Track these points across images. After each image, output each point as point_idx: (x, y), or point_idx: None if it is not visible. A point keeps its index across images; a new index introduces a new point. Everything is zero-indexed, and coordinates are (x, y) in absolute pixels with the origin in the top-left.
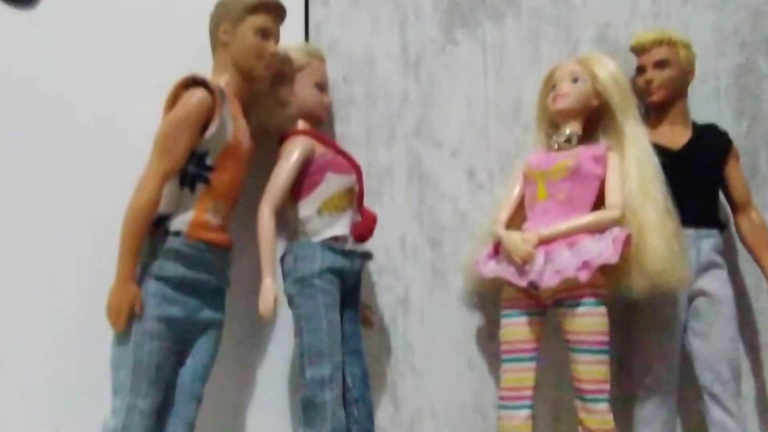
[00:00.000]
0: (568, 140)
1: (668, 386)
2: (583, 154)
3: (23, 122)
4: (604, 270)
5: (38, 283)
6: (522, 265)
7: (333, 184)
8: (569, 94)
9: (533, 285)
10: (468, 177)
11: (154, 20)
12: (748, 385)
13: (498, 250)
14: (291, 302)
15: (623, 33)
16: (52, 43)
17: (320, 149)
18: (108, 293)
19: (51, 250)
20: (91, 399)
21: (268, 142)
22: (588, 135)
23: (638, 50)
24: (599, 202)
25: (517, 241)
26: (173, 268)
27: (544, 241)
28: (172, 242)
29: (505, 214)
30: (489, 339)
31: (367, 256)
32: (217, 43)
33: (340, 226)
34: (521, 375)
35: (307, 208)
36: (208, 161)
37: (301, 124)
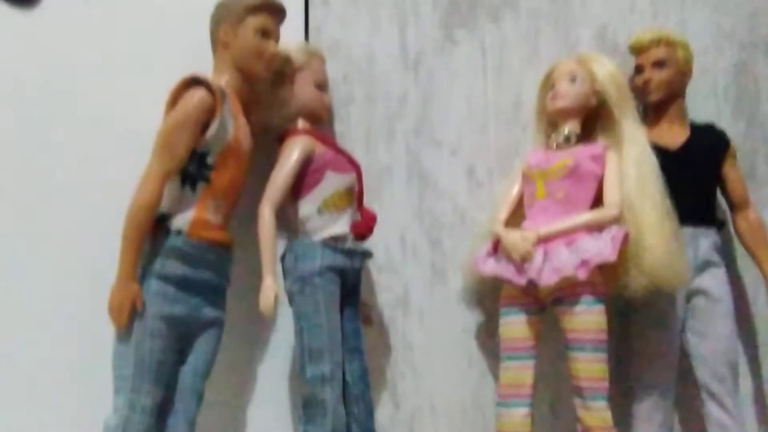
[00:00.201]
0: (567, 139)
1: (666, 384)
2: (582, 153)
3: (24, 121)
4: (603, 268)
5: (40, 282)
6: (521, 264)
7: (333, 182)
8: (568, 94)
9: (532, 283)
10: (467, 176)
11: (154, 21)
12: (746, 383)
13: (497, 248)
14: (291, 300)
15: (621, 33)
16: (52, 42)
17: (320, 148)
18: (110, 292)
19: (53, 249)
20: (93, 397)
21: (269, 141)
22: (587, 134)
23: (636, 50)
24: (598, 201)
25: (516, 239)
26: (174, 267)
27: (543, 240)
28: (173, 241)
29: (504, 212)
30: (488, 337)
31: (367, 254)
32: (217, 44)
33: (340, 225)
34: (520, 373)
35: (307, 206)
36: (209, 160)
37: (301, 124)
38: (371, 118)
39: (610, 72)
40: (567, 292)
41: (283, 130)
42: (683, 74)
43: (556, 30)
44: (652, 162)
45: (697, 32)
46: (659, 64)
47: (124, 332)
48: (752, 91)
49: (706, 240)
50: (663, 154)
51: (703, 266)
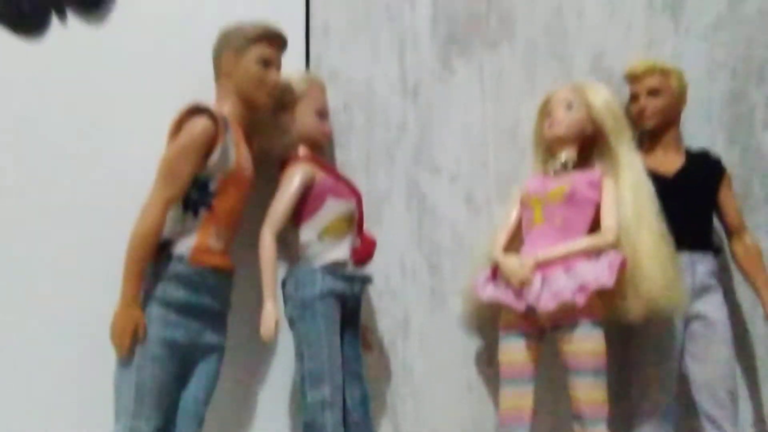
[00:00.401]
0: (564, 166)
1: (666, 409)
2: (579, 179)
3: (28, 149)
4: (601, 294)
5: (43, 308)
6: (520, 289)
7: (333, 209)
8: (564, 121)
9: (531, 308)
10: (466, 202)
11: (158, 50)
12: (745, 408)
13: (496, 273)
14: (292, 326)
15: (617, 61)
16: (57, 71)
17: (321, 175)
18: (112, 317)
19: (56, 275)
20: (94, 421)
21: (270, 168)
22: (583, 160)
23: (631, 78)
24: (595, 227)
25: (515, 265)
26: (176, 292)
27: (541, 265)
28: (175, 266)
29: (502, 238)
30: (488, 362)
31: (367, 280)
32: (220, 73)
33: (341, 251)
34: (520, 398)
35: (307, 232)
36: (211, 187)
37: (302, 151)
38: (371, 145)
39: (605, 100)
40: (566, 318)
41: (284, 157)
42: (678, 102)
43: (552, 59)
44: (648, 188)
45: (690, 61)
46: (654, 92)
47: (126, 357)
48: (746, 119)
49: (703, 265)
50: (659, 181)
51: (701, 291)
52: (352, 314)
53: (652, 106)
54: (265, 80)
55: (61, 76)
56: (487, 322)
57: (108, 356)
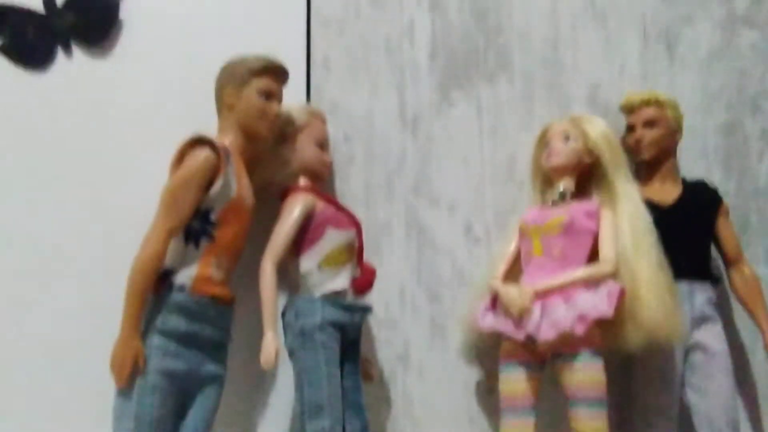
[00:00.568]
0: (562, 196)
1: None
2: (577, 209)
3: (31, 181)
4: (600, 323)
5: (43, 337)
6: (519, 319)
7: (333, 239)
8: (562, 152)
9: (530, 338)
10: (465, 232)
11: (161, 83)
12: None
13: (495, 303)
14: (292, 356)
15: (613, 94)
16: (62, 102)
17: (321, 205)
18: (113, 348)
19: (56, 305)
20: None
21: (271, 198)
22: (581, 191)
23: (627, 110)
24: (593, 257)
25: (514, 294)
26: (176, 323)
27: (540, 295)
28: (176, 296)
29: (501, 268)
30: (488, 392)
31: (367, 309)
32: (222, 105)
33: (341, 281)
34: (521, 428)
35: (308, 262)
36: (212, 217)
37: (302, 181)
38: (371, 177)
39: (602, 131)
40: (565, 347)
41: (285, 187)
42: (674, 133)
43: (549, 92)
44: (646, 218)
45: (685, 92)
46: (650, 123)
47: (125, 388)
48: (742, 149)
49: (701, 295)
50: (656, 211)
51: (700, 321)
52: (352, 344)
53: (648, 136)
54: (267, 112)
55: (66, 109)
56: (487, 352)
57: (108, 386)
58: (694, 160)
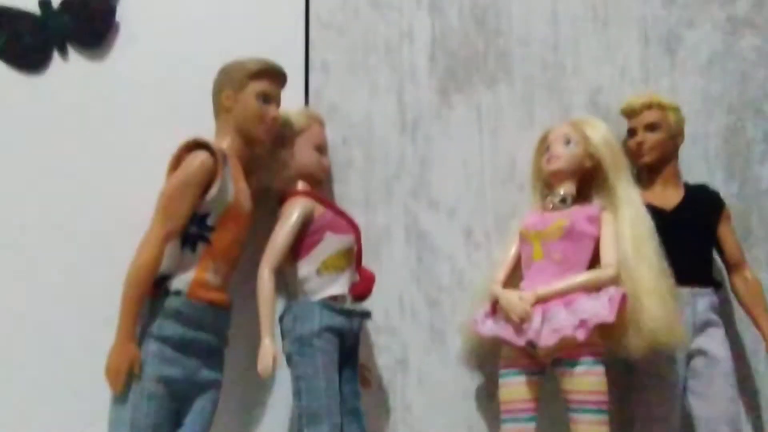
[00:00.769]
0: (563, 201)
1: None
2: (578, 214)
3: (26, 183)
4: (601, 329)
5: (38, 342)
6: (519, 325)
7: (332, 244)
8: (562, 156)
9: (531, 344)
10: (465, 237)
11: (158, 86)
12: None
13: (496, 309)
14: (290, 362)
15: (614, 97)
16: (58, 105)
17: (319, 210)
18: (108, 354)
19: (52, 310)
20: None
21: (269, 203)
22: (582, 195)
23: (629, 114)
24: (594, 262)
25: (515, 300)
26: (173, 328)
27: (541, 300)
28: (172, 302)
29: (502, 273)
30: (488, 399)
31: (365, 315)
32: (219, 108)
33: (339, 286)
34: None
35: (306, 267)
36: (210, 222)
37: (300, 186)
38: (370, 181)
39: (603, 135)
40: (566, 353)
41: (283, 191)
42: (675, 137)
43: (549, 95)
44: (647, 223)
45: (687, 96)
46: (651, 127)
47: (121, 394)
48: (743, 153)
49: (703, 300)
50: (658, 215)
51: (702, 327)
52: (350, 350)
53: (650, 140)
54: (265, 116)
55: (62, 112)
56: (487, 358)
57: (103, 393)
58: (696, 164)
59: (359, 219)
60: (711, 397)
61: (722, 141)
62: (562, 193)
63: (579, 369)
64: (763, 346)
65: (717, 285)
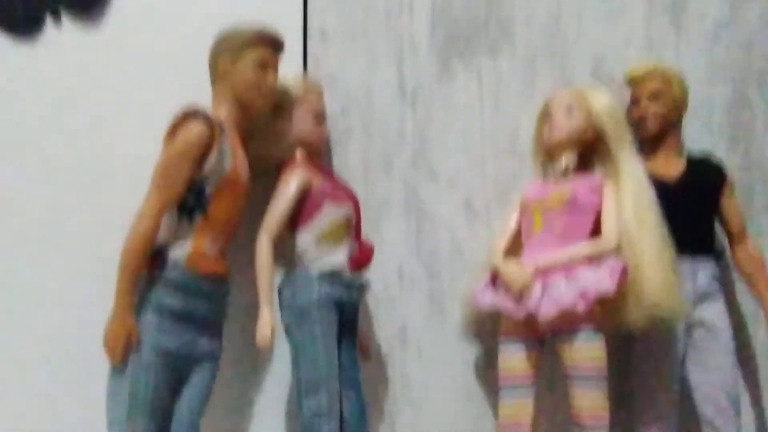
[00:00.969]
0: (564, 171)
1: (668, 417)
2: (579, 184)
3: (22, 151)
4: (601, 300)
5: (35, 314)
6: (519, 296)
7: (331, 214)
8: (564, 126)
9: (531, 315)
10: (465, 208)
11: (153, 53)
12: (747, 415)
13: (495, 280)
14: (288, 333)
15: (617, 66)
16: (51, 74)
17: (318, 180)
18: (105, 325)
19: (49, 282)
20: (87, 430)
21: (267, 173)
22: (584, 166)
23: (632, 82)
24: (596, 233)
25: (515, 271)
26: (171, 299)
27: (541, 272)
28: (170, 272)
29: (502, 244)
30: (487, 370)
31: (364, 286)
32: (216, 76)
33: (338, 257)
34: (519, 405)
35: (304, 238)
36: (207, 192)
37: (299, 156)
38: (369, 151)
39: (606, 104)
40: (566, 325)
41: (281, 161)
42: (679, 106)
43: (552, 63)
44: (649, 193)
45: (691, 65)
46: (655, 96)
47: (119, 365)
48: (747, 123)
49: (704, 271)
50: (660, 186)
51: (703, 297)
52: (349, 321)
53: (653, 110)
54: (262, 84)
55: (55, 78)
56: (486, 329)
57: (101, 364)
58: (699, 135)
59: (358, 189)
60: (710, 368)
61: (726, 111)
62: (563, 163)
63: (578, 340)
64: (763, 317)
65: (718, 255)
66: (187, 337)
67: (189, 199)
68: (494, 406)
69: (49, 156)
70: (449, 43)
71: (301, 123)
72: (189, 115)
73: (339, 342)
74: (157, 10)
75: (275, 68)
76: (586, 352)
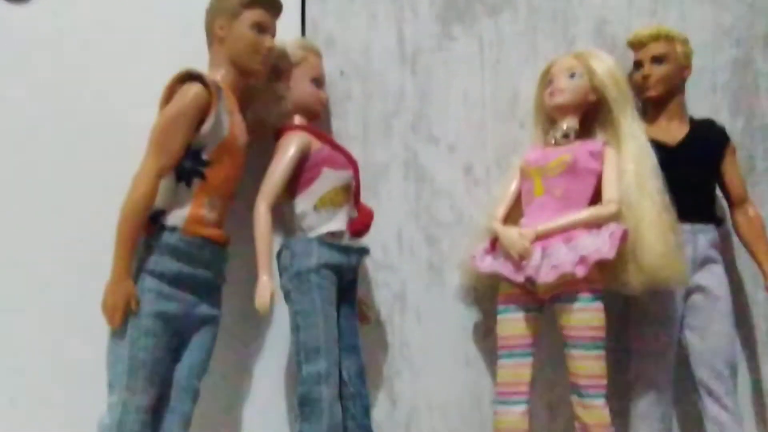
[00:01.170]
0: (566, 135)
1: (665, 382)
2: (580, 149)
3: (19, 119)
4: (601, 265)
5: (34, 279)
6: (519, 261)
7: (329, 179)
8: (566, 90)
9: (530, 280)
10: (465, 173)
11: (150, 14)
12: (744, 380)
13: (495, 245)
14: (287, 298)
15: (620, 29)
16: (46, 38)
17: (317, 145)
18: (104, 290)
19: (47, 247)
20: (86, 395)
21: (265, 137)
22: (585, 130)
23: (635, 45)
24: (596, 198)
25: (514, 236)
26: (169, 264)
27: (541, 237)
28: (168, 238)
29: (501, 209)
30: (486, 335)
31: (364, 251)
32: (213, 38)
33: (337, 222)
34: (518, 371)
35: (303, 203)
36: (204, 156)
37: (297, 120)
38: (368, 115)
39: (608, 68)
40: (565, 290)
41: (279, 126)
42: (682, 70)
43: (554, 26)
44: (650, 158)
45: (695, 28)
46: (658, 59)
47: (119, 330)
48: (751, 87)
49: (705, 236)
50: (662, 150)
51: (702, 263)
52: (348, 286)
53: (656, 73)
54: (260, 46)
55: (50, 41)
56: (486, 294)
57: (101, 329)
58: (702, 98)
59: (357, 154)
60: (708, 334)
61: (729, 74)
62: (564, 127)
63: (577, 305)
64: (762, 282)
65: (719, 221)
66: (186, 301)
67: (186, 163)
68: (493, 371)
69: (45, 118)
70: (450, 5)
71: (299, 86)
72: (185, 78)
73: (338, 307)
74: None
75: (273, 31)
76: (585, 317)
